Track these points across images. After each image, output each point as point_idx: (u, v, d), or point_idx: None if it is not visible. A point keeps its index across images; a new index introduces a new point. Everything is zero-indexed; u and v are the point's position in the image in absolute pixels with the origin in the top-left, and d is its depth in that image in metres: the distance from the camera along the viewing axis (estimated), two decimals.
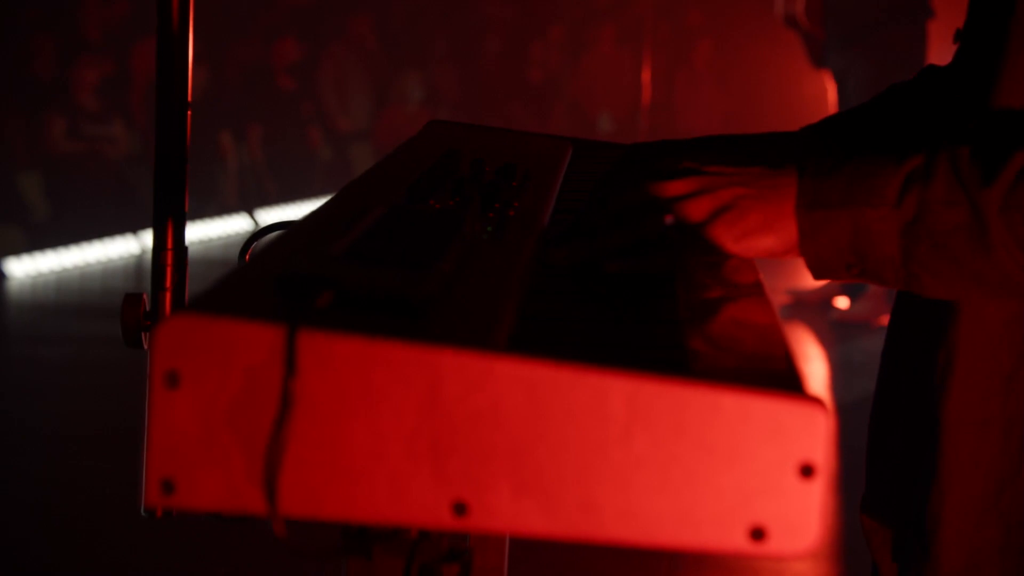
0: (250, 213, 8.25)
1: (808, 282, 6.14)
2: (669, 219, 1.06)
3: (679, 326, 0.96)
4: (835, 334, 5.70)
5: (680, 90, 10.53)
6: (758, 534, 0.79)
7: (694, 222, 1.06)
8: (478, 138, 1.79)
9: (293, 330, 0.81)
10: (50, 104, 7.80)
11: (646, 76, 9.50)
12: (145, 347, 1.30)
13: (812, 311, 5.92)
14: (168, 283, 1.28)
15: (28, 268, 6.77)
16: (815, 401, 0.78)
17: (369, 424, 0.82)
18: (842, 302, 5.96)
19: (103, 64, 8.16)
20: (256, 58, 9.30)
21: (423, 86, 10.17)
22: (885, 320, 5.78)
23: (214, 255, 7.04)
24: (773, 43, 9.86)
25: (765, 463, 0.78)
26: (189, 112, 1.28)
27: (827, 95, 7.45)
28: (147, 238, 7.39)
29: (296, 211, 8.66)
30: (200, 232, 7.40)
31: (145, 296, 1.29)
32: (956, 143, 1.03)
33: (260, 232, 1.42)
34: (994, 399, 1.10)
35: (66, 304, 6.44)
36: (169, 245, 1.28)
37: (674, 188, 1.07)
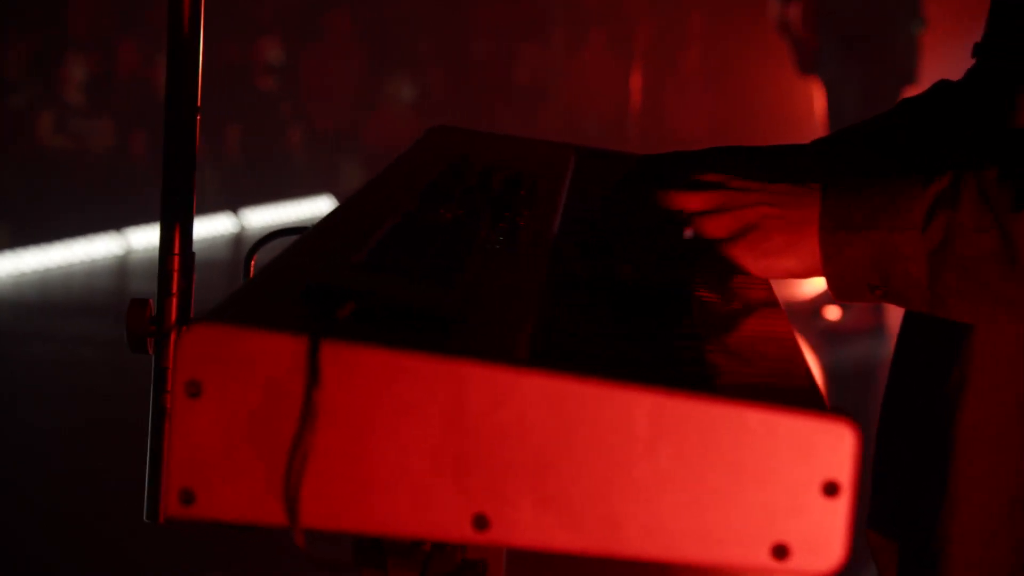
0: (235, 212, 8.22)
1: (798, 291, 6.16)
2: (688, 232, 1.06)
3: (698, 340, 0.95)
4: (826, 343, 5.71)
5: (668, 96, 10.55)
6: (781, 551, 0.79)
7: (714, 238, 1.05)
8: (480, 145, 1.79)
9: (316, 341, 0.80)
10: (33, 100, 7.76)
11: (635, 81, 9.51)
12: (150, 352, 1.29)
13: (802, 320, 5.94)
14: (175, 288, 1.27)
15: (10, 266, 6.73)
16: (841, 418, 0.78)
17: (392, 436, 0.81)
18: (832, 311, 5.98)
19: (88, 60, 8.12)
20: (237, 57, 9.28)
21: (412, 88, 10.16)
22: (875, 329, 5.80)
23: (198, 256, 7.00)
24: (763, 50, 9.87)
25: (789, 480, 0.78)
26: (199, 116, 1.28)
27: (815, 103, 7.48)
28: (132, 236, 7.36)
29: (283, 212, 8.63)
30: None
31: (151, 301, 1.29)
32: (980, 164, 1.03)
33: (265, 238, 1.41)
34: (1009, 416, 1.10)
35: (50, 303, 6.41)
36: (176, 250, 1.27)
37: (696, 202, 1.06)
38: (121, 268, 7.14)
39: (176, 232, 1.28)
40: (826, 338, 5.81)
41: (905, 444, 1.20)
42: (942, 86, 1.30)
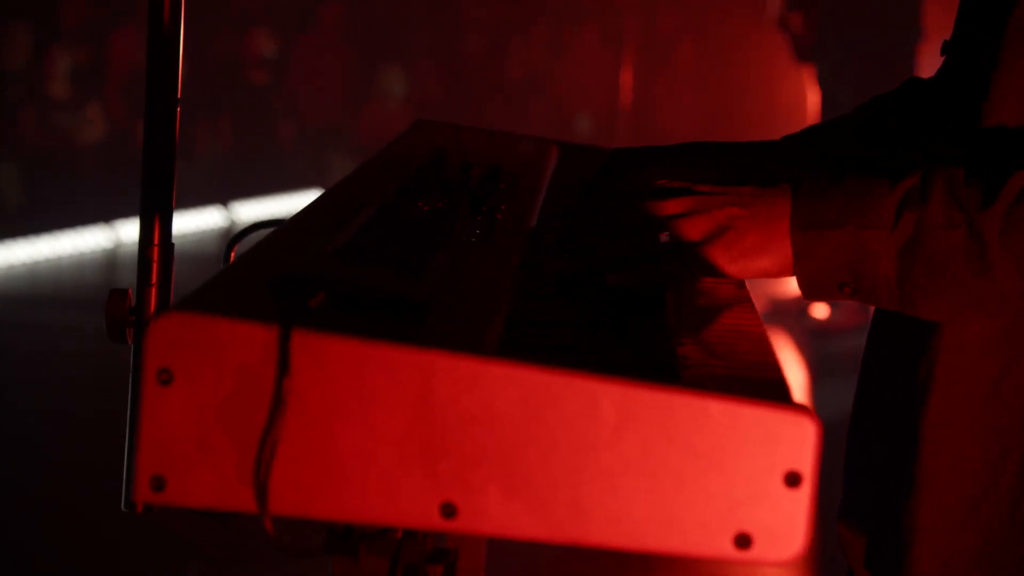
0: (225, 206, 8.22)
1: (785, 289, 6.17)
2: (664, 237, 1.08)
3: (668, 334, 0.97)
4: (812, 341, 5.73)
5: (659, 92, 10.57)
6: (743, 541, 0.80)
7: (690, 241, 1.07)
8: (464, 138, 1.80)
9: (287, 330, 0.81)
10: (23, 92, 7.74)
11: (625, 77, 9.52)
12: (129, 342, 1.30)
13: (790, 318, 5.95)
14: (154, 279, 1.28)
15: (0, 259, 6.72)
16: (803, 410, 0.79)
17: (361, 424, 0.82)
18: (820, 310, 5.99)
19: (78, 52, 8.11)
20: (228, 50, 9.27)
21: (403, 83, 10.16)
22: (861, 327, 5.81)
23: (188, 250, 7.00)
24: (753, 46, 9.90)
25: (751, 471, 0.79)
26: (179, 108, 1.28)
27: (806, 100, 7.49)
28: (121, 229, 7.36)
29: (273, 206, 8.64)
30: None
31: (130, 291, 1.29)
32: (948, 162, 1.04)
33: (245, 231, 1.42)
34: (974, 411, 1.11)
35: (40, 295, 6.40)
36: (156, 240, 1.28)
37: (669, 207, 1.08)
38: (110, 260, 7.14)
39: (156, 223, 1.29)
40: (813, 336, 5.83)
41: (875, 437, 1.22)
42: (912, 83, 1.31)
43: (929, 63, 6.03)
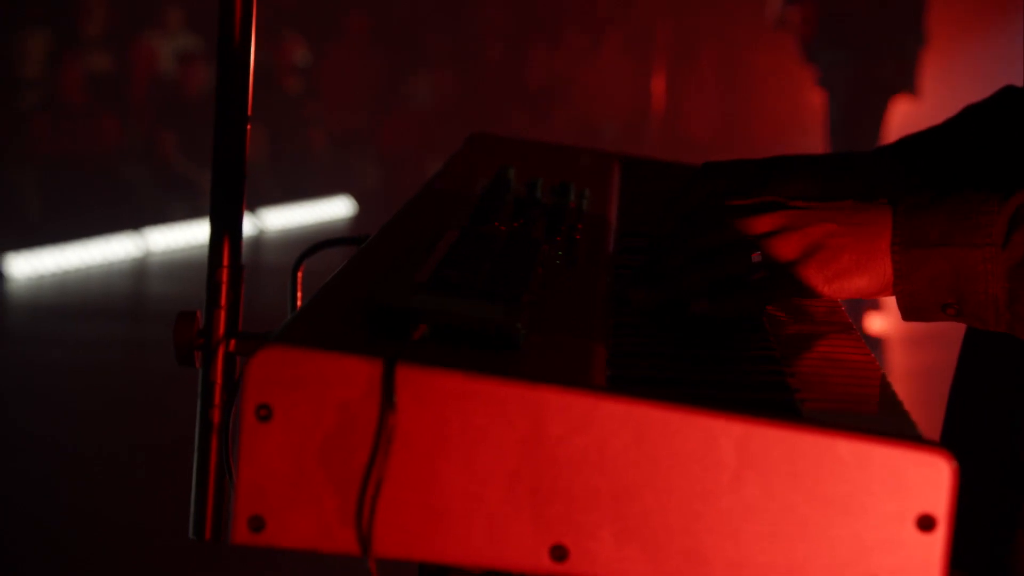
0: (252, 212, 8.21)
1: None
2: (756, 257, 1.03)
3: (775, 363, 0.93)
4: None
5: (684, 96, 10.52)
6: None
7: (783, 261, 1.02)
8: (523, 153, 1.76)
9: (392, 364, 0.78)
10: (47, 100, 7.74)
11: (650, 82, 9.48)
12: (197, 366, 1.27)
13: None
14: (223, 301, 1.25)
15: (28, 268, 6.71)
16: (937, 450, 0.75)
17: (466, 463, 0.79)
18: None
19: (102, 59, 8.11)
20: (258, 57, 9.26)
21: (428, 90, 10.15)
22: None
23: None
24: (779, 52, 9.84)
25: (882, 514, 0.75)
26: (249, 126, 1.25)
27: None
28: (150, 237, 7.34)
29: (301, 212, 8.62)
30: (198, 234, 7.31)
31: (199, 313, 1.26)
32: None
33: (312, 248, 1.39)
34: None
35: (68, 305, 6.39)
36: (225, 262, 1.25)
37: (761, 224, 1.02)
38: (139, 270, 7.12)
39: (225, 244, 1.26)
40: None
41: (968, 474, 1.17)
42: (1008, 92, 1.26)
43: (932, 61, 5.96)
